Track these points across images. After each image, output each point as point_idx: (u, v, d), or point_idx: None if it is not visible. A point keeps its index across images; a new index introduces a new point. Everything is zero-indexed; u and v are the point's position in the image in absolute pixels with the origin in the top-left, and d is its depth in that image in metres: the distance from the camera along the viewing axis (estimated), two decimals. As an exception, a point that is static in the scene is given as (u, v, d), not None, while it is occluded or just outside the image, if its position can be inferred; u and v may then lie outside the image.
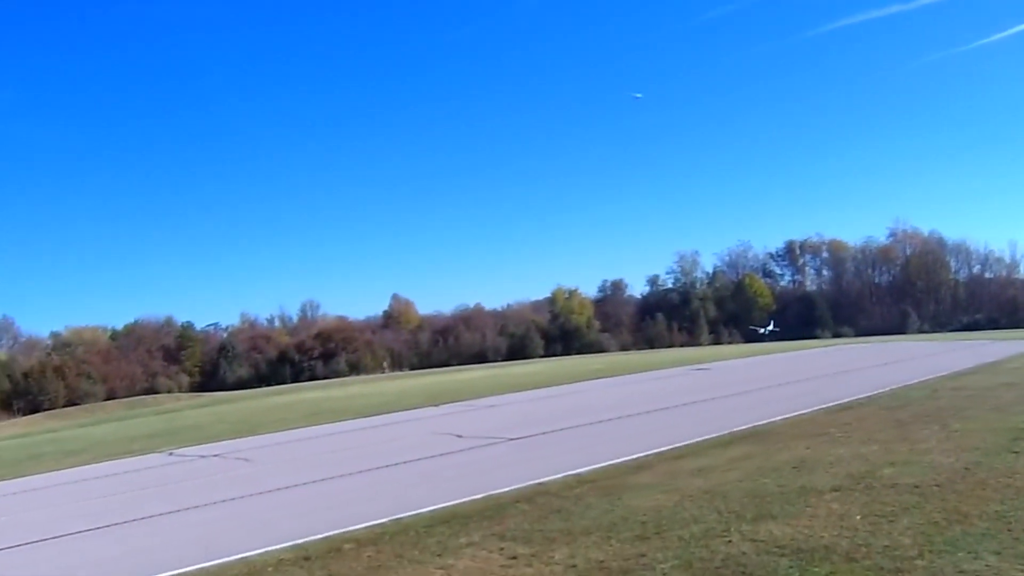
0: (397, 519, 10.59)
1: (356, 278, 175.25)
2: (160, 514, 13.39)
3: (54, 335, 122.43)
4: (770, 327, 33.44)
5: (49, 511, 15.46)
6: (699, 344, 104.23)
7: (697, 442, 14.66)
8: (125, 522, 13.06)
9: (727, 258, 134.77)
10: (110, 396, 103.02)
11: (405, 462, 16.09)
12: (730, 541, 8.15)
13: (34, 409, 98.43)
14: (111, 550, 11.18)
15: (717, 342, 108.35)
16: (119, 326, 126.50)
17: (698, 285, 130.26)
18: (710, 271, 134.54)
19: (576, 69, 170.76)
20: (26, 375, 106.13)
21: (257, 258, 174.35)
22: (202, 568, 9.22)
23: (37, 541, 12.20)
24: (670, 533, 8.62)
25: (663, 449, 14.11)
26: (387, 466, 15.86)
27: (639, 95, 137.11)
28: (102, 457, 23.93)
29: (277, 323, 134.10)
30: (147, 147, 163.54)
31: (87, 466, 22.11)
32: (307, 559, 9.16)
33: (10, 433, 63.91)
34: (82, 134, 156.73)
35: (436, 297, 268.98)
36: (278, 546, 9.81)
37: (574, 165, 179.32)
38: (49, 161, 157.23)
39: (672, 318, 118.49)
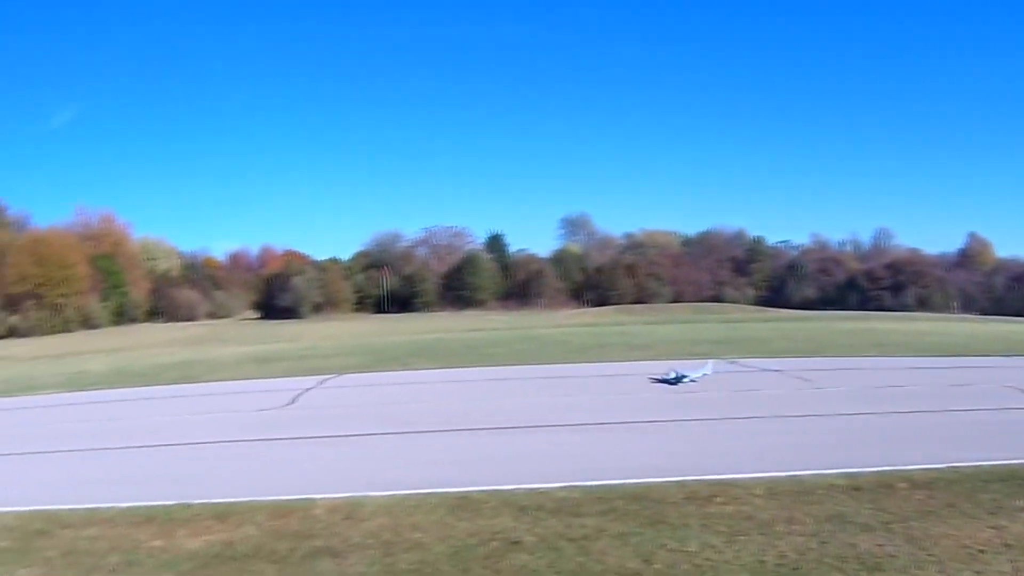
0: (954, 467, 10.36)
1: (932, 211, 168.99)
2: (716, 418, 14.76)
3: (628, 235, 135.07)
4: (707, 370, 21.65)
5: (612, 398, 17.75)
6: None
7: None
8: (675, 420, 14.71)
9: None
10: (676, 299, 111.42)
11: (963, 409, 15.48)
12: None
13: (602, 302, 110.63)
14: (676, 447, 12.59)
15: None
16: (691, 233, 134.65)
17: None
18: None
19: None
20: (598, 270, 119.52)
21: (832, 181, 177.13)
22: (753, 477, 10.07)
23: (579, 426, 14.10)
24: None
25: None
26: (945, 411, 15.40)
27: None
28: (665, 355, 26.23)
29: (848, 247, 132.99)
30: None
31: (650, 361, 24.47)
32: (857, 490, 9.47)
33: (580, 322, 72.17)
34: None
35: (1017, 240, 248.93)
36: (829, 471, 10.24)
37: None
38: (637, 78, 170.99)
39: None
